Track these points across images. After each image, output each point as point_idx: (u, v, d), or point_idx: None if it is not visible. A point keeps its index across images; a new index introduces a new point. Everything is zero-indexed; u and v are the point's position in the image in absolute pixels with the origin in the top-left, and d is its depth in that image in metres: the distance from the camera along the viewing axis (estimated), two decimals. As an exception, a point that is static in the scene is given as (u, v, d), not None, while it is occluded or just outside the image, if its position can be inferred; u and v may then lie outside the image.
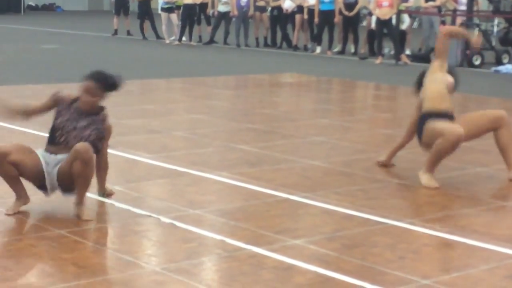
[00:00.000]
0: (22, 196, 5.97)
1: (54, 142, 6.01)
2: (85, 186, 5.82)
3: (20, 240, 5.38)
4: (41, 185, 5.98)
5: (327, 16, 20.21)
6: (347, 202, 6.43)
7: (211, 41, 22.96)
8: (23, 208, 5.98)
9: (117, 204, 6.20)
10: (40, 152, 6.01)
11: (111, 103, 11.66)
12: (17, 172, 5.88)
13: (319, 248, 5.30)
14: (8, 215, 5.84)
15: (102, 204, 6.22)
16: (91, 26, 28.99)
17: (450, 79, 7.29)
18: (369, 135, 9.63)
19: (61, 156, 5.90)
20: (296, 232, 5.64)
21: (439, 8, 19.79)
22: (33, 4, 41.49)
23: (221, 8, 22.54)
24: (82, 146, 5.69)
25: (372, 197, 6.65)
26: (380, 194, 6.76)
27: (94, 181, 6.72)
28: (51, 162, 5.91)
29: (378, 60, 18.52)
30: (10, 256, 5.08)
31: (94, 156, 5.84)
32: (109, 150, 7.43)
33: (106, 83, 6.15)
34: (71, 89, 6.44)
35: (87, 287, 4.55)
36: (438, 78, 7.28)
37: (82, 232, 5.52)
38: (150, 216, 5.92)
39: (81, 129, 5.99)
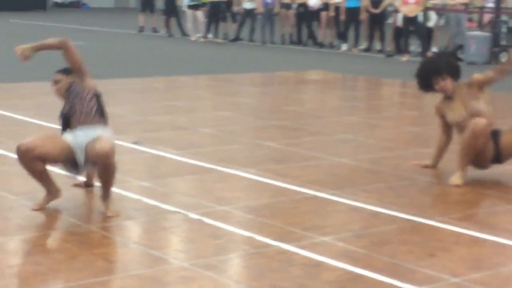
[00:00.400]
0: (51, 191, 5.99)
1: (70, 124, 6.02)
2: (109, 184, 5.84)
3: (50, 235, 5.41)
4: (73, 165, 5.97)
5: (353, 13, 20.16)
6: (375, 199, 6.41)
7: (237, 38, 22.97)
8: (54, 203, 6.01)
9: (145, 200, 6.22)
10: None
11: (138, 100, 11.78)
12: (44, 166, 5.90)
13: (348, 245, 5.29)
14: (35, 210, 5.87)
15: (130, 200, 6.24)
16: (117, 23, 29.09)
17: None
18: (396, 132, 9.60)
19: (85, 130, 5.90)
20: (325, 229, 5.63)
21: (466, 5, 19.68)
22: (60, 1, 41.69)
23: (247, 5, 22.54)
24: (103, 152, 5.66)
25: (400, 194, 6.63)
26: (409, 192, 6.73)
27: (121, 178, 6.76)
28: (78, 136, 5.91)
29: (405, 58, 18.45)
30: (41, 251, 5.12)
31: (114, 154, 5.80)
32: (136, 147, 7.47)
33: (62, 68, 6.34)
34: (98, 85, 6.43)
35: (117, 282, 4.57)
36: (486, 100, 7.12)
37: (112, 228, 5.54)
38: (178, 212, 5.94)
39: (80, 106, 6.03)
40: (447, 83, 7.18)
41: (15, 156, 7.49)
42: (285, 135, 9.08)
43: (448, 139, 7.47)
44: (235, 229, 5.58)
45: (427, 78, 7.31)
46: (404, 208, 6.17)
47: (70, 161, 5.95)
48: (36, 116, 9.65)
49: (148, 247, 5.19)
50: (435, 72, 7.21)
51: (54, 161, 5.94)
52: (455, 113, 7.15)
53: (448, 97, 7.25)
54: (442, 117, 7.38)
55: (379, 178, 7.18)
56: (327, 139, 8.93)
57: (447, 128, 7.41)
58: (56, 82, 6.29)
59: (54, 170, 7.00)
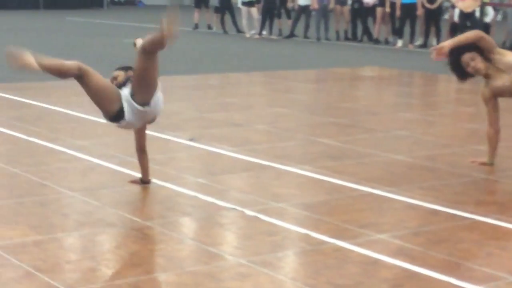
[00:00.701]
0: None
1: None
2: None
3: (108, 231, 5.46)
4: (119, 111, 6.01)
5: (409, 9, 20.03)
6: (432, 197, 6.36)
7: (292, 34, 22.96)
8: (111, 200, 6.08)
9: (201, 196, 6.25)
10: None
11: (193, 96, 11.84)
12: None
13: (404, 242, 5.26)
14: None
15: (187, 196, 6.28)
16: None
17: None
18: (453, 129, 9.52)
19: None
20: (381, 226, 5.61)
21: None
22: (116, -1, 42.08)
23: (302, 1, 22.52)
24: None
25: (457, 192, 6.57)
26: (466, 189, 6.67)
27: (177, 174, 6.82)
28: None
29: (461, 54, 18.25)
30: (98, 246, 5.17)
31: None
32: (192, 144, 7.52)
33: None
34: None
35: (174, 278, 4.60)
36: None
37: (168, 224, 5.58)
38: (234, 209, 5.96)
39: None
40: (477, 62, 7.12)
41: (72, 152, 7.61)
42: (341, 132, 9.06)
43: (495, 132, 7.41)
44: (291, 226, 5.58)
45: (457, 64, 7.26)
46: (461, 205, 6.12)
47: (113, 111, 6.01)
48: (93, 113, 9.73)
49: (205, 243, 5.22)
50: (461, 54, 7.17)
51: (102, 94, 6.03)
52: (502, 80, 7.12)
53: (487, 77, 7.22)
54: (490, 101, 7.33)
55: (435, 175, 7.13)
56: (383, 136, 8.88)
57: (494, 119, 7.36)
58: (114, 78, 6.35)
59: (111, 166, 7.08)
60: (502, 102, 11.43)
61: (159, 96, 6.11)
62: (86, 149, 7.82)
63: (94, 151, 7.71)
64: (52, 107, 10.21)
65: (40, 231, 5.37)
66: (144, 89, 6.00)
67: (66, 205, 6.03)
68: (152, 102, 6.02)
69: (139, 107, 5.94)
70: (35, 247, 5.04)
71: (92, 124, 9.17)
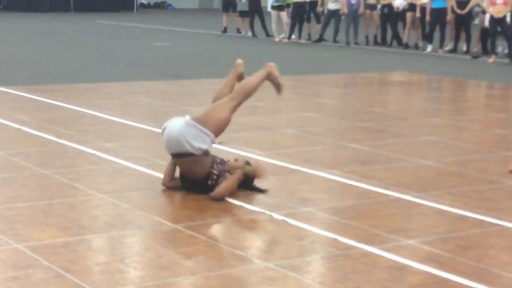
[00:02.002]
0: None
1: None
2: None
3: (137, 234, 5.49)
4: None
5: (439, 14, 19.95)
6: (461, 202, 6.33)
7: (321, 39, 22.95)
8: (140, 202, 6.12)
9: (230, 200, 6.26)
10: None
11: (222, 100, 11.79)
12: None
13: (433, 248, 5.24)
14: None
15: (216, 200, 6.29)
16: (201, 24, 29.36)
17: None
18: (482, 135, 9.47)
19: None
20: (409, 232, 5.59)
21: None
22: (146, 2, 42.29)
23: (331, 6, 22.51)
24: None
25: (486, 198, 6.53)
26: (495, 195, 6.63)
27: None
28: None
29: (492, 59, 18.16)
30: (126, 248, 5.20)
31: None
32: (221, 147, 7.53)
33: None
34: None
35: (202, 281, 4.61)
36: None
37: (197, 227, 5.60)
38: (262, 212, 5.96)
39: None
40: None
41: (102, 154, 7.65)
42: (369, 136, 9.04)
43: None
44: (319, 231, 5.58)
45: None
46: (491, 212, 6.09)
47: None
48: (123, 116, 9.81)
49: (233, 247, 5.23)
50: None
51: None
52: None
53: None
54: None
55: (465, 181, 7.09)
56: (412, 141, 8.85)
57: None
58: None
59: (140, 168, 7.11)
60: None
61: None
62: (115, 151, 7.86)
63: (123, 154, 7.75)
64: (82, 110, 10.27)
65: (70, 232, 5.41)
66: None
67: (95, 207, 6.07)
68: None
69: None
70: (64, 249, 5.08)
71: (121, 126, 9.21)
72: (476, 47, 19.96)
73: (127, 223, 5.67)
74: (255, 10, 24.11)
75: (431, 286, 4.60)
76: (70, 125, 9.23)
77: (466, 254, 5.15)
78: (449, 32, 20.79)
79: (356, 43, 22.21)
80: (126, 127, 9.15)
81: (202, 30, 26.62)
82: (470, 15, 20.39)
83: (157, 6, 42.57)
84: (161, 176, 6.67)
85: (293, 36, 23.03)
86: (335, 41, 22.65)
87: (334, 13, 22.53)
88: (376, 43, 22.56)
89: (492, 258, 5.10)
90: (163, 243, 5.30)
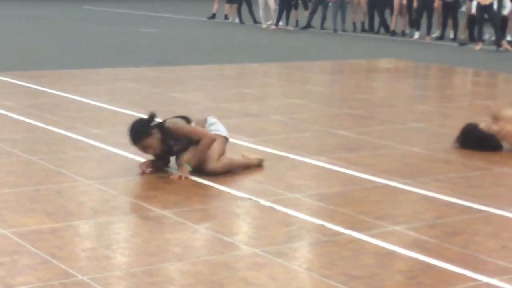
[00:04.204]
0: None
1: None
2: None
3: (124, 220, 5.49)
4: None
5: (426, 1, 19.96)
6: (448, 189, 6.35)
7: (308, 25, 22.93)
8: (127, 189, 6.11)
9: (217, 186, 6.26)
10: None
11: (209, 87, 11.84)
12: None
13: (420, 235, 5.25)
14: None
15: (203, 186, 6.29)
16: (188, 10, 29.27)
17: None
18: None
19: None
20: (396, 218, 5.60)
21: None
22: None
23: (318, -8, 22.47)
24: None
25: (473, 184, 6.55)
26: (482, 182, 6.65)
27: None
28: None
29: (478, 46, 18.20)
30: (113, 234, 5.19)
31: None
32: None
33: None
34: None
35: (189, 267, 4.61)
36: None
37: (184, 213, 5.59)
38: (249, 198, 5.97)
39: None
40: None
41: (89, 141, 7.64)
42: (357, 123, 9.05)
43: None
44: (306, 217, 5.59)
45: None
46: (477, 198, 6.11)
47: None
48: (110, 102, 9.79)
49: (220, 233, 5.23)
50: None
51: None
52: None
53: None
54: None
55: (452, 167, 7.11)
56: (399, 128, 8.87)
57: None
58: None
59: (127, 154, 7.10)
60: (511, 95, 11.25)
61: None
62: (102, 137, 7.84)
63: (110, 140, 7.73)
64: (69, 96, 10.24)
65: (56, 218, 5.40)
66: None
67: (82, 193, 6.06)
68: None
69: None
70: (51, 235, 5.07)
71: (108, 113, 9.19)
72: (463, 34, 19.99)
73: (114, 209, 5.66)
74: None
75: (417, 272, 4.62)
76: (57, 111, 9.20)
77: (453, 240, 5.17)
78: (436, 19, 20.81)
79: (343, 30, 22.20)
80: (113, 113, 9.13)
81: (189, 16, 26.55)
82: (457, 2, 20.42)
83: (144, -8, 42.34)
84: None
85: (280, 23, 23.00)
86: (322, 28, 22.63)
87: (322, 0, 22.50)
88: (363, 30, 22.56)
89: (478, 244, 5.12)
90: (150, 229, 5.30)
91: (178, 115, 6.84)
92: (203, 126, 6.77)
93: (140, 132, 6.51)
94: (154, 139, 6.51)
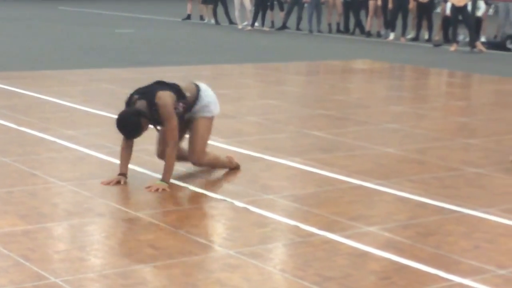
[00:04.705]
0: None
1: None
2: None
3: (97, 221, 5.47)
4: None
5: (401, 2, 20.03)
6: (422, 190, 6.38)
7: (284, 26, 22.95)
8: (101, 190, 6.09)
9: (191, 187, 6.26)
10: None
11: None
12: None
13: (394, 235, 5.28)
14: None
15: (177, 187, 6.28)
16: (164, 11, 29.21)
17: None
18: (443, 123, 9.54)
19: None
20: (370, 219, 5.62)
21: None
22: (108, -11, 41.90)
23: (294, -7, 22.50)
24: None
25: (446, 185, 6.59)
26: (455, 183, 6.69)
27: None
28: None
29: (453, 47, 18.29)
30: (87, 236, 5.17)
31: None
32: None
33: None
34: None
35: (163, 269, 4.60)
36: None
37: (158, 215, 5.59)
38: (224, 200, 5.96)
39: None
40: None
41: (63, 142, 7.60)
42: (331, 124, 9.07)
43: None
44: (281, 218, 5.59)
45: None
46: (450, 199, 6.14)
47: None
48: (84, 103, 9.75)
49: (194, 234, 5.22)
50: None
51: None
52: None
53: None
54: None
55: (425, 168, 7.15)
56: (374, 129, 8.90)
57: None
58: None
59: (101, 156, 7.08)
60: (491, 96, 11.48)
61: None
62: (76, 139, 7.81)
63: (84, 141, 7.70)
64: (43, 97, 10.19)
65: (29, 220, 5.37)
66: None
67: (55, 194, 6.03)
68: None
69: None
70: (24, 237, 5.04)
71: (83, 114, 9.16)
72: (437, 36, 20.08)
73: (87, 211, 5.64)
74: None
75: (391, 273, 4.64)
76: (31, 112, 9.15)
77: (426, 241, 5.19)
78: (411, 20, 20.89)
79: (319, 31, 22.24)
80: (88, 115, 9.10)
81: (165, 17, 26.50)
82: (432, 4, 20.52)
83: (119, -8, 42.23)
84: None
85: (256, 24, 23.01)
86: (298, 28, 22.66)
87: (297, 1, 22.53)
88: (338, 31, 22.61)
89: (451, 245, 5.15)
90: (124, 230, 5.29)
91: (173, 83, 6.52)
92: (196, 95, 6.56)
93: (133, 130, 6.30)
94: (144, 126, 6.33)
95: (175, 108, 6.29)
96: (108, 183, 6.28)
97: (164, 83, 6.48)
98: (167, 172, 6.24)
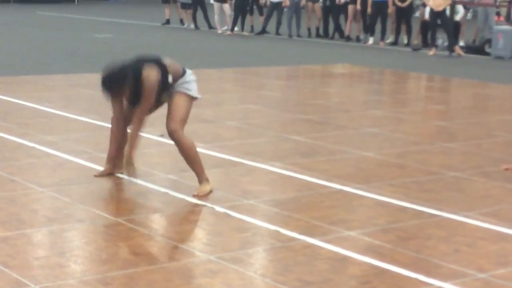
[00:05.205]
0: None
1: None
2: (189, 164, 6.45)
3: (77, 227, 5.44)
4: None
5: (380, 7, 20.09)
6: (401, 194, 6.39)
7: (263, 31, 22.96)
8: (81, 196, 6.07)
9: (171, 193, 6.24)
10: None
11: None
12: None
13: (374, 239, 5.29)
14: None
15: (157, 193, 6.26)
16: (144, 16, 29.15)
17: None
18: (422, 127, 9.57)
19: None
20: (350, 223, 5.63)
21: (494, -1, 19.57)
22: (87, -6, 41.81)
23: (274, -2, 22.53)
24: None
25: (426, 189, 6.61)
26: (435, 187, 6.71)
27: (148, 170, 6.79)
28: None
29: (432, 52, 18.36)
30: (67, 242, 5.15)
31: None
32: (163, 140, 7.49)
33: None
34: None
35: (143, 274, 4.59)
36: None
37: (138, 220, 5.57)
38: (204, 205, 5.96)
39: None
40: None
41: (42, 148, 7.57)
42: (311, 128, 9.08)
43: None
44: (261, 223, 5.59)
45: None
46: (430, 203, 6.16)
47: None
48: (63, 108, 9.71)
49: (174, 240, 5.22)
50: None
51: None
52: None
53: None
54: None
55: (405, 172, 7.17)
56: (354, 133, 8.92)
57: None
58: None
59: (81, 161, 7.05)
60: (470, 100, 11.54)
61: None
62: (56, 144, 7.78)
63: (64, 147, 7.67)
64: (22, 102, 10.14)
65: (9, 227, 5.34)
66: None
67: (35, 200, 6.00)
68: None
69: None
70: (3, 243, 5.01)
71: (62, 119, 9.12)
72: (416, 40, 20.15)
73: (67, 217, 5.61)
74: (198, 2, 24.01)
75: (371, 277, 4.64)
76: (9, 118, 9.11)
77: (406, 245, 5.21)
78: (390, 25, 20.95)
79: (298, 36, 22.26)
80: (67, 120, 9.06)
81: (144, 22, 26.44)
82: (411, 8, 20.59)
83: (98, -3, 42.14)
84: (102, 169, 6.65)
85: (235, 28, 23.01)
86: (277, 33, 22.68)
87: (277, 6, 22.55)
88: (318, 35, 22.64)
89: (431, 249, 5.17)
90: (104, 236, 5.27)
91: (162, 64, 6.43)
92: (178, 77, 6.48)
93: (114, 81, 6.29)
94: (125, 89, 6.28)
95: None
96: (101, 175, 6.52)
97: (153, 60, 6.41)
98: (132, 140, 6.31)
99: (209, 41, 20.70)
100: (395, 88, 13.71)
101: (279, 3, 22.43)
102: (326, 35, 22.49)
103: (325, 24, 22.59)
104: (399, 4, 19.89)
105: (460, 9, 19.54)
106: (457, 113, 10.81)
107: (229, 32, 22.85)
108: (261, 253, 5.11)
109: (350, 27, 21.65)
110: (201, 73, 14.19)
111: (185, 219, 5.73)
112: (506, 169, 7.31)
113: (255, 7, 23.66)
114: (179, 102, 6.35)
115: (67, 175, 6.72)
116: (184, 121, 6.34)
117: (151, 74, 6.16)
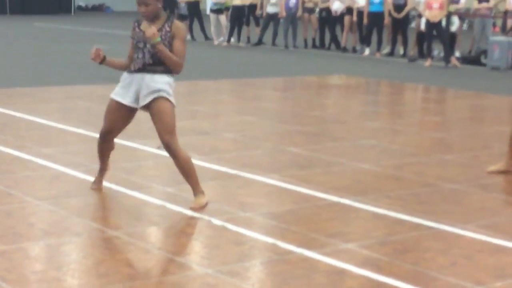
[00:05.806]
0: (105, 169, 6.54)
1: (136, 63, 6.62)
2: (185, 177, 6.33)
3: (74, 241, 5.43)
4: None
5: (376, 18, 20.13)
6: (399, 206, 6.40)
7: (260, 42, 22.99)
8: (78, 209, 6.06)
9: (168, 205, 6.24)
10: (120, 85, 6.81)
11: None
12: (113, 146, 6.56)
13: (371, 252, 5.28)
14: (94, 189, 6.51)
15: (154, 206, 6.26)
16: (140, 27, 29.16)
17: None
18: (419, 138, 9.58)
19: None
20: (348, 236, 5.63)
21: (490, 10, 19.59)
22: (83, 5, 41.88)
23: (270, 9, 22.56)
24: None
25: (423, 201, 6.61)
26: (432, 199, 6.72)
27: (145, 183, 6.79)
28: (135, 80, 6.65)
29: (428, 62, 18.39)
30: (64, 255, 5.14)
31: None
32: (159, 152, 7.49)
33: None
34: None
35: (141, 288, 4.59)
36: None
37: (135, 234, 5.56)
38: (201, 218, 5.95)
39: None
40: None
41: (38, 160, 7.56)
42: (308, 140, 9.08)
43: None
44: (258, 236, 5.59)
45: None
46: (427, 215, 6.16)
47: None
48: (60, 121, 9.71)
49: (172, 253, 5.21)
50: None
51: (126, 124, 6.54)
52: None
53: None
54: None
55: (402, 184, 7.17)
56: (350, 145, 8.92)
57: None
58: (146, 4, 6.76)
59: (78, 174, 7.05)
60: (466, 111, 11.56)
61: None
62: (53, 157, 7.77)
63: (61, 159, 7.66)
64: (19, 114, 10.14)
65: (5, 240, 5.33)
66: None
67: (32, 214, 5.99)
68: None
69: None
70: (0, 257, 5.00)
71: (59, 131, 9.12)
72: (412, 51, 20.18)
73: (64, 230, 5.60)
74: (194, 13, 24.05)
75: (369, 290, 4.64)
76: (6, 130, 9.10)
77: (403, 258, 5.20)
78: (386, 35, 20.99)
79: (294, 46, 22.30)
80: (64, 132, 9.05)
81: (140, 33, 26.45)
82: (407, 19, 20.63)
83: (95, 8, 42.18)
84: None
85: (232, 39, 23.04)
86: (274, 44, 22.71)
87: (273, 16, 22.59)
88: (314, 46, 22.67)
89: (429, 261, 5.17)
90: (101, 250, 5.26)
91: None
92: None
93: None
94: (157, 4, 6.53)
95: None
96: (94, 59, 6.98)
97: None
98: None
99: (206, 52, 20.72)
100: (391, 99, 13.72)
101: (276, 14, 22.47)
102: (322, 46, 22.52)
103: (321, 35, 22.63)
104: (395, 15, 19.94)
105: (455, 20, 19.58)
106: (453, 124, 10.82)
107: (225, 43, 22.88)
108: (258, 266, 5.10)
109: (346, 38, 21.69)
110: (197, 84, 14.23)
111: (182, 232, 5.73)
112: (490, 172, 7.35)
113: (251, 18, 23.70)
114: (166, 109, 6.36)
115: (64, 187, 6.71)
116: (175, 130, 6.28)
117: (182, 26, 6.62)
